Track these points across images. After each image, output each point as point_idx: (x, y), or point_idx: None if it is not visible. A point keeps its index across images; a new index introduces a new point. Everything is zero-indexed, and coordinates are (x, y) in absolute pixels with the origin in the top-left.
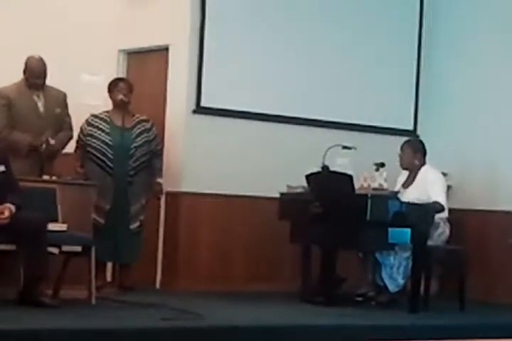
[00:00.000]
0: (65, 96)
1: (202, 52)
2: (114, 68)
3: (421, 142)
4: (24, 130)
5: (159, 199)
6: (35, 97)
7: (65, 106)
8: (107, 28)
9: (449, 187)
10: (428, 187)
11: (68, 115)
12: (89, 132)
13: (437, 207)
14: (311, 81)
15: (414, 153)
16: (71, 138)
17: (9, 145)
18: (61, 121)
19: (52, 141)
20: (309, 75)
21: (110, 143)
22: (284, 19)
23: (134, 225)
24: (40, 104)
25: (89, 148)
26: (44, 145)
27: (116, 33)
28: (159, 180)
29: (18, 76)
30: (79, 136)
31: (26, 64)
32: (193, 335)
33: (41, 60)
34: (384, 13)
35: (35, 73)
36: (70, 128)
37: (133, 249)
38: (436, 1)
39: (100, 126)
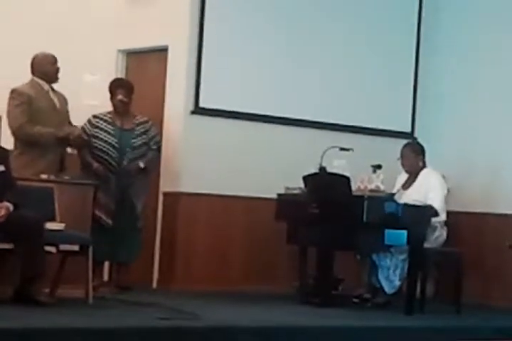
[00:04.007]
0: (66, 98)
1: (201, 53)
2: (113, 68)
3: (420, 144)
4: (45, 124)
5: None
6: (51, 94)
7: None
8: (106, 28)
9: (447, 190)
10: (427, 190)
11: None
12: (94, 133)
13: (431, 212)
14: (308, 83)
15: (416, 155)
16: None
17: (33, 140)
18: (68, 119)
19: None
20: (307, 77)
21: (116, 145)
22: (284, 20)
23: (140, 224)
24: (56, 101)
25: (92, 149)
26: (72, 136)
27: (115, 33)
28: (140, 163)
29: (18, 76)
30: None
31: (35, 60)
32: (190, 335)
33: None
34: (382, 14)
35: (50, 59)
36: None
37: (134, 249)
38: (434, 1)
39: (105, 128)
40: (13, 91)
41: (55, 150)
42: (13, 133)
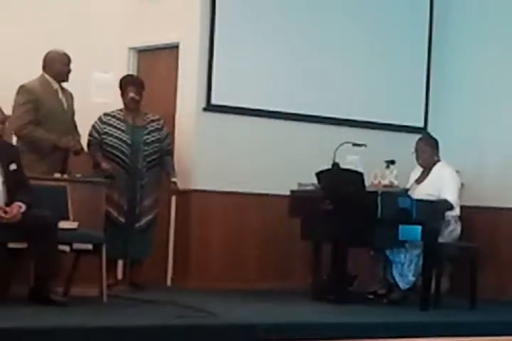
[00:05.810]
0: (72, 96)
1: (212, 50)
2: (125, 66)
3: (434, 138)
4: (52, 125)
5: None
6: (60, 93)
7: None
8: (118, 25)
9: (461, 185)
10: (441, 184)
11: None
12: (105, 130)
13: (446, 205)
14: (321, 79)
15: (432, 149)
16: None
17: (32, 142)
18: (73, 119)
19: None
20: (320, 73)
21: (128, 141)
22: (295, 16)
23: (142, 222)
24: (64, 100)
25: (105, 146)
26: (76, 147)
27: (126, 30)
28: (174, 179)
29: (30, 74)
30: (92, 135)
31: (48, 57)
32: (205, 333)
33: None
34: (394, 9)
35: (63, 59)
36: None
37: (143, 246)
38: None
39: (115, 125)
40: (21, 87)
41: (57, 152)
42: (15, 133)
